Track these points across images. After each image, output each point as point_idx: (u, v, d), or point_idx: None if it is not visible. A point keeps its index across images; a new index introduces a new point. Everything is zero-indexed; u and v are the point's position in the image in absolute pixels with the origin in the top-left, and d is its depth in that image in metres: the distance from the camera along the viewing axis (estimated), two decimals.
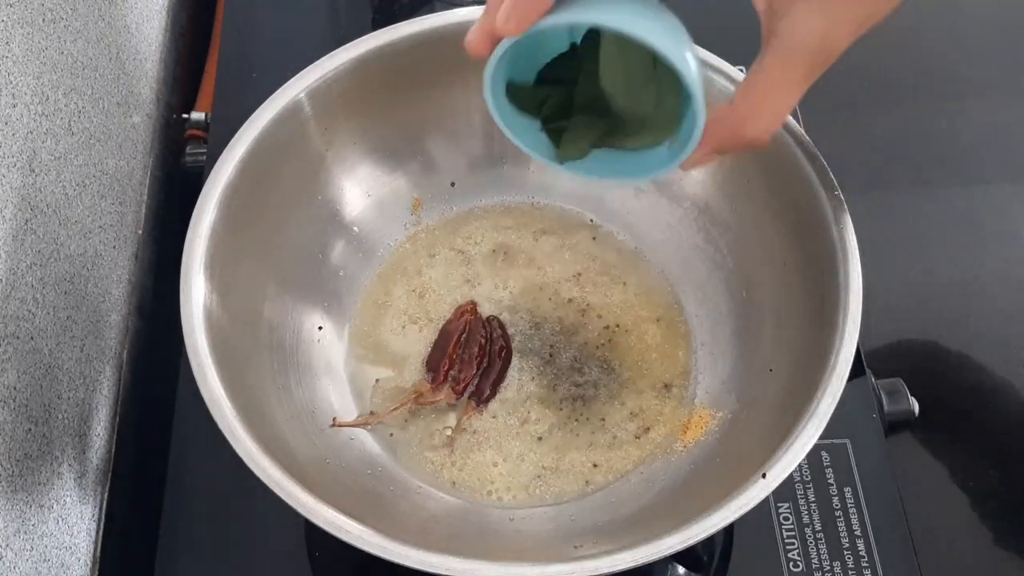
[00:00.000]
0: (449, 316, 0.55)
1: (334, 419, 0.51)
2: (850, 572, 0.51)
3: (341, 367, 0.54)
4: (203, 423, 0.42)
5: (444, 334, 0.55)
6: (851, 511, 0.53)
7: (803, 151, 0.49)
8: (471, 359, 0.53)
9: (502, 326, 0.55)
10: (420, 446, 0.52)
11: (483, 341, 0.54)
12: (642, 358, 0.54)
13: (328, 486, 0.45)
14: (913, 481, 0.59)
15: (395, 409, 0.52)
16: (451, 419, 0.52)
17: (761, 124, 0.37)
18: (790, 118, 0.50)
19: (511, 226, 0.59)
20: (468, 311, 0.55)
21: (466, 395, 0.53)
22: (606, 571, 0.39)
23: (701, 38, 0.52)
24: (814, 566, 0.51)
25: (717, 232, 0.55)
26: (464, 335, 0.54)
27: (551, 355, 0.54)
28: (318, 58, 0.52)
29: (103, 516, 0.55)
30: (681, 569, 0.53)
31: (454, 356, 0.54)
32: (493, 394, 0.53)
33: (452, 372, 0.53)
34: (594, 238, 0.58)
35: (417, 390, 0.53)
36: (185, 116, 0.72)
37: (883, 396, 0.56)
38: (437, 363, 0.54)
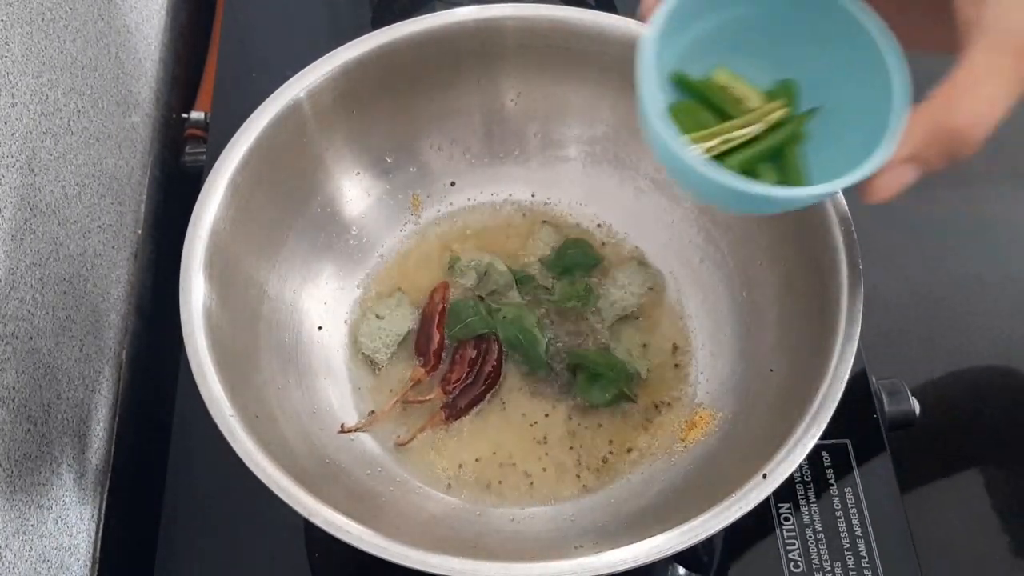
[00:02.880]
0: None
1: (342, 426, 0.51)
2: (851, 572, 0.51)
3: (341, 367, 0.54)
4: (203, 423, 0.42)
5: (425, 318, 0.55)
6: (851, 511, 0.53)
7: None
8: (464, 360, 0.53)
9: (500, 349, 0.54)
10: (421, 447, 0.52)
11: (475, 354, 0.53)
12: (642, 359, 0.54)
13: (328, 486, 0.45)
14: (913, 481, 0.58)
15: (394, 403, 0.52)
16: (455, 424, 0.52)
17: (975, 108, 0.31)
18: None
19: (511, 225, 0.59)
20: (439, 291, 0.55)
21: (448, 398, 0.53)
22: (606, 571, 0.39)
23: None
24: (814, 566, 0.51)
25: (717, 232, 0.55)
26: (442, 315, 0.54)
27: (550, 356, 0.54)
28: (318, 58, 0.52)
29: (103, 516, 0.55)
30: (681, 569, 0.53)
31: (441, 337, 0.54)
32: (466, 413, 0.53)
33: (443, 355, 0.54)
34: (594, 236, 0.58)
35: (412, 377, 0.53)
36: (185, 116, 0.72)
37: (883, 396, 0.56)
38: (425, 347, 0.54)
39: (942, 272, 0.68)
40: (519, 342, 0.53)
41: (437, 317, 0.54)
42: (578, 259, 0.57)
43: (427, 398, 0.52)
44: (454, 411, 0.52)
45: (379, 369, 0.54)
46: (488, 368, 0.53)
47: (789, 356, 0.49)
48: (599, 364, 0.52)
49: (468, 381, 0.53)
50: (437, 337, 0.54)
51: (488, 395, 0.53)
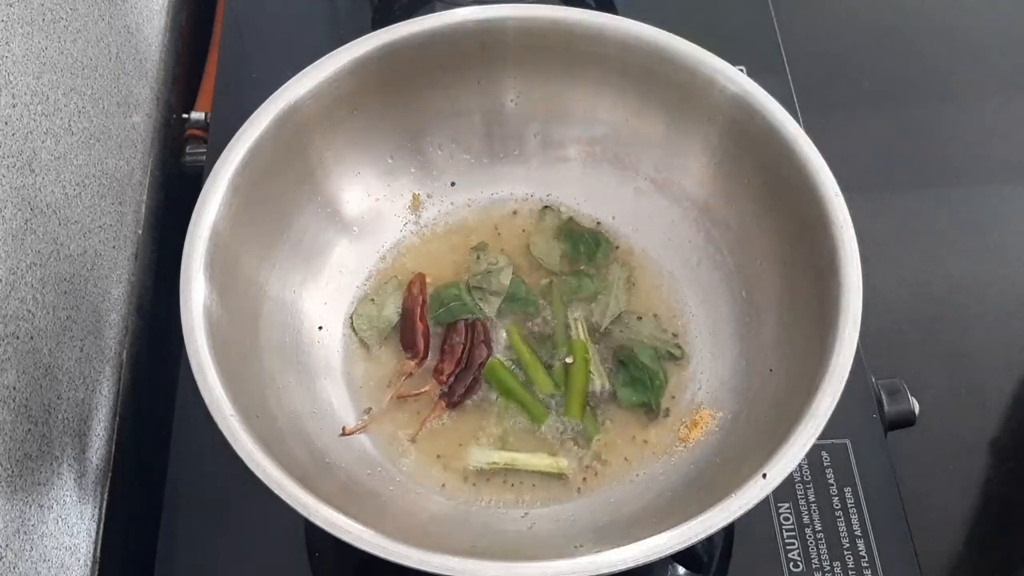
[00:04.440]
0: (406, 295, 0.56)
1: (344, 428, 0.51)
2: (850, 572, 0.51)
3: (341, 367, 0.54)
4: (203, 423, 0.42)
5: (406, 311, 0.55)
6: (851, 511, 0.53)
7: (803, 151, 0.49)
8: (453, 350, 0.53)
9: (486, 332, 0.54)
10: (419, 448, 0.52)
11: (462, 341, 0.54)
12: (641, 359, 0.54)
13: (328, 486, 0.45)
14: (913, 481, 0.59)
15: (390, 399, 0.52)
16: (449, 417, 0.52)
17: None
18: (790, 117, 0.50)
19: (511, 225, 0.59)
20: (416, 283, 0.56)
21: (445, 387, 0.53)
22: (606, 571, 0.39)
23: (701, 38, 0.52)
24: (814, 566, 0.51)
25: (717, 232, 0.55)
26: (423, 306, 0.55)
27: (547, 356, 0.54)
28: (318, 58, 0.52)
29: (103, 516, 0.55)
30: (681, 569, 0.53)
31: (425, 327, 0.54)
32: (464, 398, 0.53)
33: (430, 344, 0.54)
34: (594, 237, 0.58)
35: (402, 371, 0.53)
36: (185, 116, 0.72)
37: (883, 396, 0.56)
38: (411, 340, 0.54)
39: (942, 272, 0.68)
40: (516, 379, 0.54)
41: (418, 309, 0.55)
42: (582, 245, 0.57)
43: (422, 391, 0.53)
44: (452, 399, 0.52)
45: (370, 350, 0.54)
46: (476, 352, 0.53)
47: (789, 356, 0.49)
48: (645, 369, 0.52)
49: (461, 367, 0.53)
50: (421, 327, 0.54)
51: (480, 382, 0.53)
